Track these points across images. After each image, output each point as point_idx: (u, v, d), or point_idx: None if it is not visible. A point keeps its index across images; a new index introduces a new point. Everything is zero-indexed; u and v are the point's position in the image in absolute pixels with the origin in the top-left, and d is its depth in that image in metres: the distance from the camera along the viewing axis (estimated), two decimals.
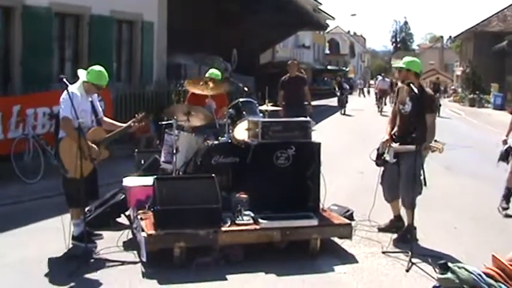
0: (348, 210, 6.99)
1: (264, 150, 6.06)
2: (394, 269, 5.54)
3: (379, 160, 6.56)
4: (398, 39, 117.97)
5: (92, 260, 5.47)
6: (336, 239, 6.16)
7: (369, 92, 51.98)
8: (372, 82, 53.41)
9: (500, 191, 7.92)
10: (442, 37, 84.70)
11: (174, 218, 5.35)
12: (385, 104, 28.45)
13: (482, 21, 43.34)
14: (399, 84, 6.84)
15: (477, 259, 5.20)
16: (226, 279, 5.15)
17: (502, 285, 4.24)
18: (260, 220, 5.62)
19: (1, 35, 11.28)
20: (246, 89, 8.05)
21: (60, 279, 5.05)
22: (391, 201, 6.66)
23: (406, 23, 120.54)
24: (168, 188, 5.56)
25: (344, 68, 58.39)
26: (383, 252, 5.97)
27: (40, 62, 11.57)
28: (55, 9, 12.05)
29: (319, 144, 6.30)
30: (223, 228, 5.50)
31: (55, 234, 5.78)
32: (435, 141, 5.98)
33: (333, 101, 30.87)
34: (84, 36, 13.04)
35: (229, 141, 6.44)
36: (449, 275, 4.40)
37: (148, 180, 6.01)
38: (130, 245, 5.96)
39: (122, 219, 6.85)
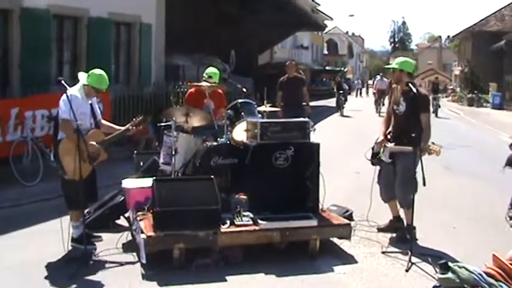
0: (347, 211, 6.99)
1: (263, 151, 6.06)
2: (394, 269, 5.54)
3: (374, 159, 6.59)
4: (396, 39, 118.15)
5: (92, 262, 5.47)
6: (335, 240, 6.16)
7: (367, 92, 51.93)
8: (370, 82, 53.36)
9: (499, 191, 7.92)
10: (440, 37, 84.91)
11: (173, 219, 5.34)
12: (383, 105, 28.37)
13: (480, 20, 43.44)
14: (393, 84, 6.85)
15: (476, 259, 5.21)
16: (225, 280, 5.15)
17: (503, 285, 4.25)
18: (259, 221, 5.62)
19: None
20: (244, 90, 8.05)
21: (60, 282, 5.05)
22: (388, 201, 6.67)
23: (404, 23, 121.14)
24: (167, 189, 5.56)
25: (342, 69, 58.39)
26: (382, 252, 5.98)
27: (38, 65, 11.55)
28: (53, 12, 12.03)
29: (318, 145, 6.30)
30: (222, 230, 5.50)
31: (54, 236, 5.77)
32: (432, 143, 5.99)
33: (332, 102, 30.86)
34: (83, 38, 13.03)
35: (228, 142, 6.44)
36: (449, 274, 4.40)
37: (148, 182, 6.00)
38: (129, 246, 5.96)
39: (121, 221, 6.85)
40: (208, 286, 5.04)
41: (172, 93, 13.99)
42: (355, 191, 8.54)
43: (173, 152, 6.36)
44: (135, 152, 8.09)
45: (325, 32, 60.12)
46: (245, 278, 5.21)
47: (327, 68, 56.61)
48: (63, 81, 5.68)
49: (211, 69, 7.71)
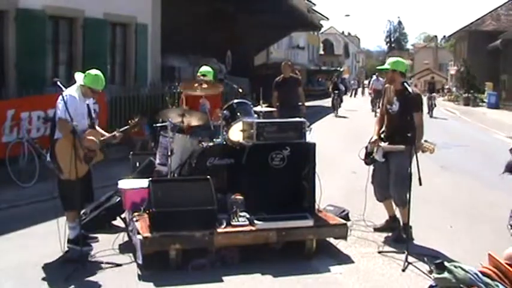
0: (344, 211, 7.00)
1: (259, 152, 6.05)
2: (390, 268, 5.54)
3: (368, 159, 6.60)
4: (392, 39, 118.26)
5: (88, 263, 5.45)
6: (331, 240, 6.17)
7: (363, 92, 51.91)
8: (365, 82, 53.34)
9: (496, 191, 7.93)
10: (436, 36, 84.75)
11: (169, 220, 5.34)
12: (379, 105, 28.25)
13: (476, 20, 43.47)
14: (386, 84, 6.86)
15: (473, 258, 5.23)
16: (222, 280, 5.15)
17: (499, 284, 4.25)
18: (256, 221, 5.62)
19: None
20: (240, 90, 8.05)
21: (56, 283, 5.05)
22: (383, 201, 6.68)
23: (400, 22, 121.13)
24: (164, 190, 5.55)
25: (339, 69, 58.43)
26: (379, 252, 5.99)
27: (34, 65, 11.54)
28: (49, 12, 12.02)
29: (314, 145, 6.30)
30: (218, 230, 5.50)
31: (50, 237, 5.77)
32: (426, 141, 6.00)
33: (327, 102, 30.84)
34: (78, 39, 13.02)
35: (224, 142, 6.43)
36: (446, 274, 4.40)
37: (144, 183, 6.00)
38: (126, 247, 5.96)
39: (118, 222, 6.84)
40: (205, 287, 5.04)
41: (168, 94, 13.98)
42: (352, 191, 8.54)
43: (169, 153, 6.36)
44: (131, 152, 8.07)
45: (321, 32, 60.28)
46: (242, 279, 5.21)
47: (323, 68, 56.61)
48: (58, 82, 5.67)
49: (205, 68, 7.71)
